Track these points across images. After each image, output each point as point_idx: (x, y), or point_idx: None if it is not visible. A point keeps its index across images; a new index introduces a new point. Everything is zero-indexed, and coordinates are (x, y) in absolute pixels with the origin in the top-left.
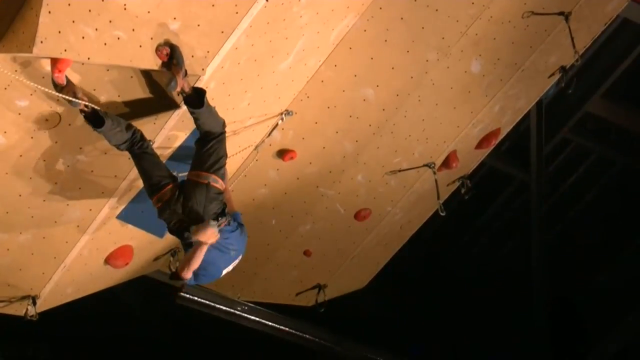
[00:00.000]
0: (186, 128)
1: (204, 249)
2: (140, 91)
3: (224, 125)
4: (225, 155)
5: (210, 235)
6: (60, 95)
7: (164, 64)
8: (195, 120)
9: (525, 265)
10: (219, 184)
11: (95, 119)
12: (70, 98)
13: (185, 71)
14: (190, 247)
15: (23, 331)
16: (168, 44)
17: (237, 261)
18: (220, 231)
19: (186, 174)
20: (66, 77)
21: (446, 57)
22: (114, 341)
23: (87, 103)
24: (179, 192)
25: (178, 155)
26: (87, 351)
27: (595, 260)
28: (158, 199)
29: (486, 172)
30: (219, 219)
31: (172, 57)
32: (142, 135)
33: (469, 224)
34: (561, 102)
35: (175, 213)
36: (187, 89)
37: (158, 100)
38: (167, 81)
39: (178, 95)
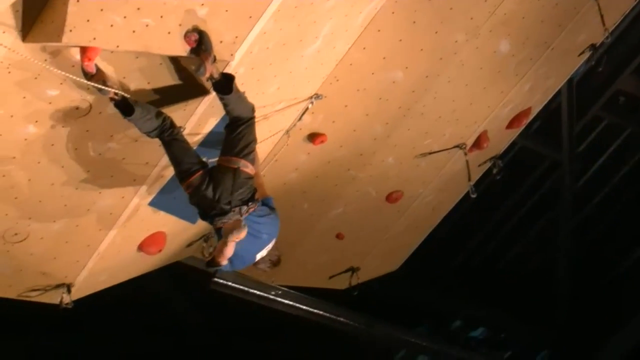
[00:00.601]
0: (216, 114)
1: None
2: (169, 78)
3: (253, 110)
4: (254, 140)
5: (241, 234)
6: (90, 83)
7: (192, 50)
8: (225, 106)
9: (556, 244)
10: (248, 168)
11: (125, 107)
12: (100, 86)
13: (214, 57)
14: (221, 231)
15: (57, 320)
16: (196, 30)
17: (270, 245)
18: (248, 218)
19: (216, 159)
20: (96, 65)
21: (475, 38)
22: (148, 328)
23: (116, 91)
24: (209, 178)
25: (208, 141)
26: (122, 338)
27: (627, 238)
28: (188, 185)
29: (517, 152)
30: (249, 204)
31: (200, 43)
32: (172, 122)
33: (500, 204)
34: (592, 79)
35: (205, 198)
36: (215, 75)
37: (187, 86)
38: (195, 67)
39: (207, 81)
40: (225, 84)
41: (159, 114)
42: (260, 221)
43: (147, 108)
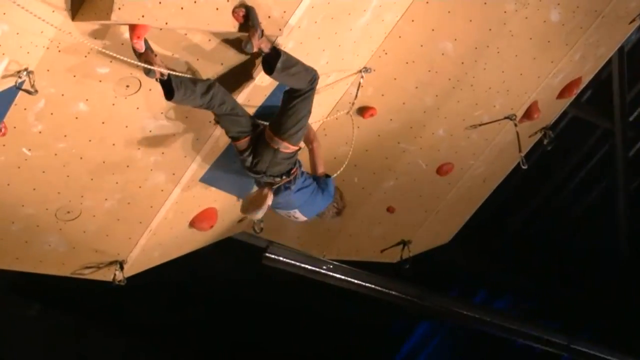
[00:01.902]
0: (268, 88)
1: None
2: (219, 54)
3: (311, 81)
4: (307, 115)
5: (261, 208)
6: (139, 63)
7: (240, 27)
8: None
9: (610, 214)
10: (289, 149)
11: (169, 87)
12: (147, 66)
13: (262, 31)
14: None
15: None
16: (243, 5)
17: (294, 218)
18: (277, 190)
19: (267, 124)
20: (146, 42)
21: (524, 8)
22: (204, 303)
23: (162, 70)
24: (253, 146)
25: (261, 113)
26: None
27: None
28: (235, 146)
29: (568, 122)
30: (282, 177)
31: (247, 18)
32: (221, 98)
33: (552, 175)
34: None
35: (244, 162)
36: (265, 49)
37: (236, 61)
38: (243, 43)
39: (257, 57)
40: (273, 60)
41: (207, 91)
42: (296, 194)
43: (191, 88)
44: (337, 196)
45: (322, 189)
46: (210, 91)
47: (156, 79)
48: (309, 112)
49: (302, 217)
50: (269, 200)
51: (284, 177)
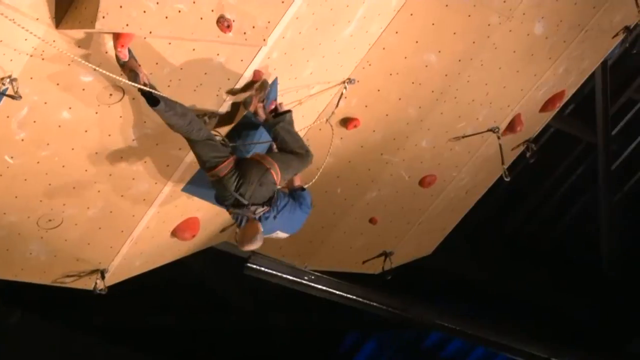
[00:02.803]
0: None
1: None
2: (202, 64)
3: (302, 151)
4: (298, 169)
5: (257, 242)
6: (127, 82)
7: (252, 83)
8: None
9: (593, 227)
10: (277, 176)
11: (152, 98)
12: (131, 82)
13: (264, 100)
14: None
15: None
16: (263, 80)
17: (284, 235)
18: (261, 218)
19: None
20: (130, 51)
21: (508, 20)
22: (185, 312)
23: (146, 82)
24: (236, 167)
25: (239, 127)
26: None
27: None
28: (212, 174)
29: (551, 135)
30: (264, 206)
31: (261, 88)
32: (199, 124)
33: (535, 188)
34: (626, 61)
35: (226, 186)
36: (261, 115)
37: (221, 72)
38: (246, 102)
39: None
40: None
41: (185, 115)
42: (276, 219)
43: (171, 105)
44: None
45: (299, 203)
46: (188, 115)
47: (139, 90)
48: (299, 168)
49: (283, 235)
50: (260, 227)
51: (264, 207)
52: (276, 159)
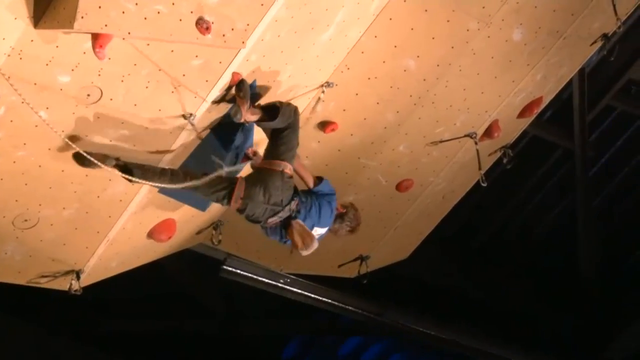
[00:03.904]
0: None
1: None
2: (181, 65)
3: (290, 115)
4: (297, 141)
5: (311, 236)
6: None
7: (231, 91)
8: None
9: (570, 233)
10: (291, 171)
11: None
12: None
13: (250, 103)
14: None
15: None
16: (239, 78)
17: (322, 231)
18: (300, 211)
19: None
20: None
21: (487, 26)
22: (159, 314)
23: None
24: (254, 183)
25: (218, 131)
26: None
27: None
28: (235, 199)
29: (529, 141)
30: (295, 198)
31: (239, 89)
32: (178, 173)
33: (512, 194)
34: (604, 69)
35: (257, 203)
36: (250, 119)
37: (199, 73)
38: (232, 112)
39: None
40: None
41: (163, 173)
42: (306, 214)
43: (147, 169)
44: (351, 215)
45: (322, 196)
46: (165, 171)
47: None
48: (298, 137)
49: (323, 230)
50: (305, 226)
51: (295, 199)
52: (280, 154)
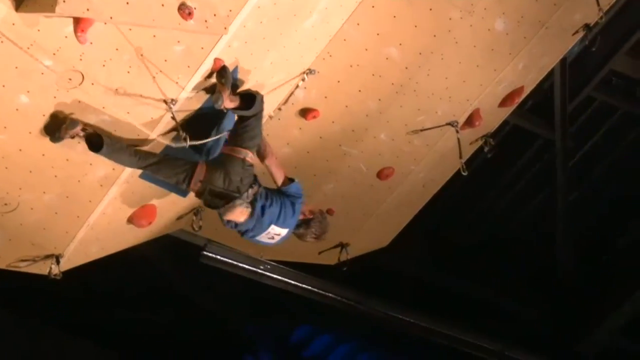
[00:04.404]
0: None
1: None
2: (163, 51)
3: (262, 102)
4: (261, 129)
5: (238, 214)
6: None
7: (213, 74)
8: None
9: (550, 223)
10: (253, 159)
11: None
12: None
13: (230, 90)
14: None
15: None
16: (221, 64)
17: (280, 230)
18: (257, 200)
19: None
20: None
21: (470, 15)
22: (142, 298)
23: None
24: (216, 167)
25: (198, 116)
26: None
27: (621, 217)
28: (194, 182)
29: (510, 130)
30: (253, 186)
31: (221, 75)
32: (146, 156)
33: (493, 183)
34: (585, 59)
35: (215, 188)
36: (229, 107)
37: (181, 59)
38: (214, 98)
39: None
40: (245, 107)
41: (128, 147)
42: (265, 207)
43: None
44: (317, 222)
45: (288, 196)
46: (130, 149)
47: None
48: (261, 125)
49: (283, 231)
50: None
51: (254, 187)
52: (243, 141)
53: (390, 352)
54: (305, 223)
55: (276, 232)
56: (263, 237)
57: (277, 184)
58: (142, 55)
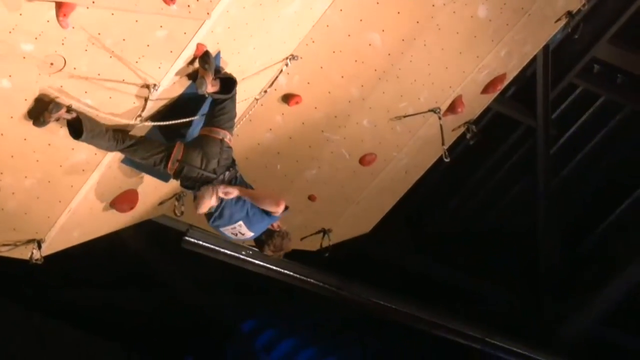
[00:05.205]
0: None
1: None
2: (145, 36)
3: (235, 84)
4: (235, 108)
5: (212, 196)
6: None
7: (196, 59)
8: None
9: (531, 209)
10: (231, 140)
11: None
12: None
13: (213, 75)
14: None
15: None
16: (204, 49)
17: (240, 234)
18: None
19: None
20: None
21: (452, 2)
22: (121, 284)
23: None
24: (193, 147)
25: (181, 102)
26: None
27: (602, 204)
28: (172, 161)
29: (492, 117)
30: (230, 169)
31: (204, 60)
32: (121, 137)
33: (475, 170)
34: (568, 47)
35: (193, 168)
36: (210, 91)
37: (163, 44)
38: (198, 83)
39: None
40: (225, 91)
41: (107, 131)
42: (235, 206)
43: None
44: (278, 239)
45: (266, 213)
46: (109, 131)
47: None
48: (235, 106)
49: (248, 232)
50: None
51: (231, 170)
52: (221, 122)
53: (330, 347)
54: (268, 233)
55: (241, 231)
56: (227, 230)
57: (275, 210)
58: (124, 40)
